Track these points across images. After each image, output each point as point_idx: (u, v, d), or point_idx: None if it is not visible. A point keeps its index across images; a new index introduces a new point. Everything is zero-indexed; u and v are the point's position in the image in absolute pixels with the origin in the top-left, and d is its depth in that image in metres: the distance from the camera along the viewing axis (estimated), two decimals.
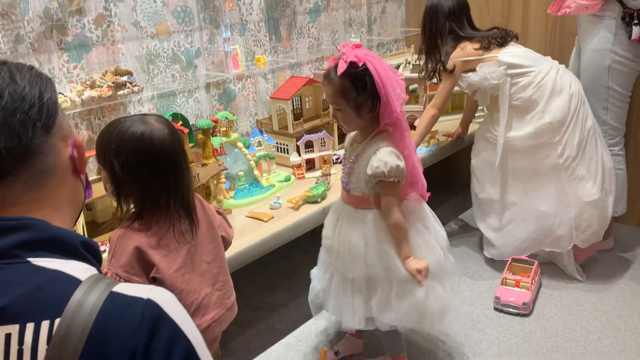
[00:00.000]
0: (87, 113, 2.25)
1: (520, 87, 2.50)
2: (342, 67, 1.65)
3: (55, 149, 0.78)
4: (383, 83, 1.63)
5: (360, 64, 1.64)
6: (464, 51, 2.55)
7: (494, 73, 2.49)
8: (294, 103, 2.85)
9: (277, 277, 2.86)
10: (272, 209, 2.37)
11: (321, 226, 2.16)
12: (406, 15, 3.77)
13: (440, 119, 2.76)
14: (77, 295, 0.70)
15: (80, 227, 1.95)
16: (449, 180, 3.80)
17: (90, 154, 2.00)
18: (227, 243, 1.64)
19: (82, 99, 2.07)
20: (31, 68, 0.80)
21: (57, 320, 0.68)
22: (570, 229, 2.53)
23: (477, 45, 2.54)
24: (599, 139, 2.56)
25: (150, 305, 0.72)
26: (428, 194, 1.94)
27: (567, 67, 2.73)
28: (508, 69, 2.48)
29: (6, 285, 0.69)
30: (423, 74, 2.74)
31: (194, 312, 1.44)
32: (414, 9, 3.72)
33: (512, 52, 2.52)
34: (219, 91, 2.75)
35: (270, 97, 2.81)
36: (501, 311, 2.45)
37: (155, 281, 1.36)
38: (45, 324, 0.68)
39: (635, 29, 2.37)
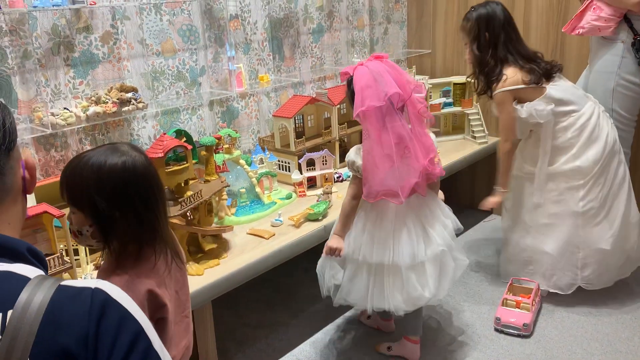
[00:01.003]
0: (92, 128, 2.26)
1: (562, 128, 2.47)
2: (342, 76, 2.07)
3: (13, 170, 0.85)
4: (357, 88, 1.96)
5: (351, 73, 2.00)
6: (514, 79, 2.45)
7: (542, 112, 2.43)
8: (296, 121, 2.87)
9: (277, 295, 2.85)
10: (273, 226, 2.37)
11: (321, 244, 2.17)
12: (408, 36, 3.82)
13: (440, 139, 2.76)
14: (27, 289, 0.74)
15: (82, 251, 1.95)
16: (448, 202, 3.79)
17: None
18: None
19: (87, 115, 2.09)
20: None
21: (10, 312, 0.72)
22: (575, 269, 2.54)
23: (527, 78, 2.44)
24: (629, 191, 2.53)
25: (98, 292, 0.77)
26: (405, 193, 1.98)
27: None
28: (555, 107, 2.43)
29: None
30: (477, 89, 2.60)
31: (171, 346, 1.32)
32: (415, 30, 3.77)
33: (561, 87, 2.47)
34: (222, 109, 2.77)
35: (272, 115, 2.84)
36: (501, 332, 2.44)
37: (160, 321, 1.26)
38: None
39: None
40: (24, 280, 0.76)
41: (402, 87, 1.94)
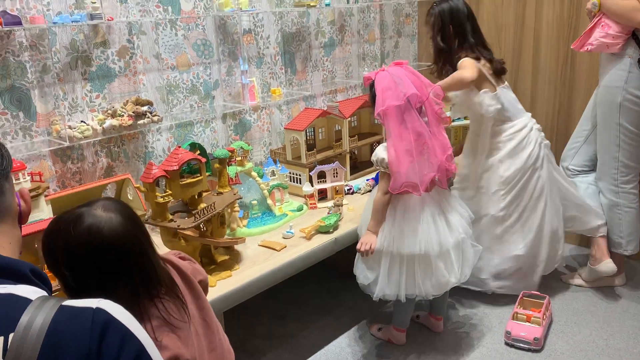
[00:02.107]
0: (108, 141, 2.31)
1: (494, 131, 2.64)
2: (365, 81, 2.26)
3: (10, 193, 0.90)
4: (378, 90, 2.15)
5: (373, 78, 2.19)
6: (480, 63, 2.56)
7: (491, 107, 2.57)
8: (308, 134, 2.90)
9: (287, 307, 2.87)
10: (284, 238, 2.40)
11: (332, 257, 2.20)
12: (419, 50, 3.85)
13: None
14: (29, 310, 0.75)
15: None
16: None
17: None
18: (204, 285, 1.47)
19: (103, 128, 2.14)
20: None
21: (11, 335, 0.73)
22: (490, 275, 2.70)
23: (490, 69, 2.58)
24: (545, 206, 2.67)
25: (100, 312, 0.78)
26: (423, 186, 2.15)
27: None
28: (500, 110, 2.59)
29: None
30: (435, 74, 2.72)
31: None
32: (426, 44, 3.79)
33: (507, 95, 2.63)
34: (234, 121, 2.81)
35: (284, 128, 2.87)
36: (512, 346, 2.44)
37: None
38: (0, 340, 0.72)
39: None
40: (25, 301, 0.77)
41: (419, 89, 2.13)
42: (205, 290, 1.49)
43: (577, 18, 3.08)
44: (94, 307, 0.79)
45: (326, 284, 3.04)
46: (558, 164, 3.00)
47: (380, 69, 2.20)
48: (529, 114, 2.73)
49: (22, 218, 0.96)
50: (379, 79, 2.16)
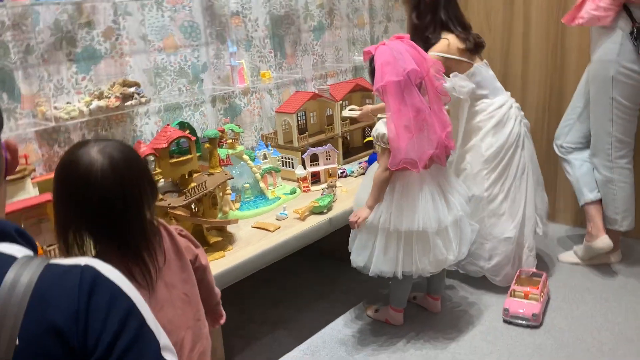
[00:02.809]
0: (95, 124, 2.26)
1: (474, 111, 2.60)
2: (365, 55, 2.22)
3: None
4: (377, 65, 2.11)
5: (373, 52, 2.14)
6: (449, 47, 2.52)
7: (464, 88, 2.52)
8: (299, 118, 2.87)
9: (282, 292, 2.83)
10: (278, 219, 2.36)
11: (327, 243, 2.17)
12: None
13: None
14: (14, 268, 0.72)
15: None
16: None
17: None
18: (197, 266, 1.45)
19: (90, 109, 2.09)
20: None
21: None
22: (482, 260, 2.63)
23: (462, 45, 2.52)
24: (527, 185, 2.64)
25: (88, 269, 0.74)
26: (422, 163, 2.13)
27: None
28: (476, 89, 2.55)
29: None
30: None
31: (179, 351, 1.29)
32: None
33: (485, 72, 2.58)
34: (224, 105, 2.77)
35: (275, 111, 2.84)
36: (510, 323, 2.41)
37: None
38: None
39: None
40: (10, 259, 0.74)
41: (420, 65, 2.09)
42: (201, 273, 1.46)
43: None
44: (82, 264, 0.75)
45: (321, 270, 3.01)
46: (551, 144, 3.00)
47: (380, 43, 2.15)
48: (509, 93, 2.70)
49: (7, 171, 0.91)
50: (379, 53, 2.12)
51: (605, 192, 2.75)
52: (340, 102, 2.96)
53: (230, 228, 2.23)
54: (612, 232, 2.76)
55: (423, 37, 2.55)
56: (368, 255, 2.23)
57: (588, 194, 2.79)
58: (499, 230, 2.59)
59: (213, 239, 2.14)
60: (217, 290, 1.58)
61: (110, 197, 1.16)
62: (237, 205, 2.47)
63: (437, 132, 2.15)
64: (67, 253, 1.22)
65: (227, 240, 2.17)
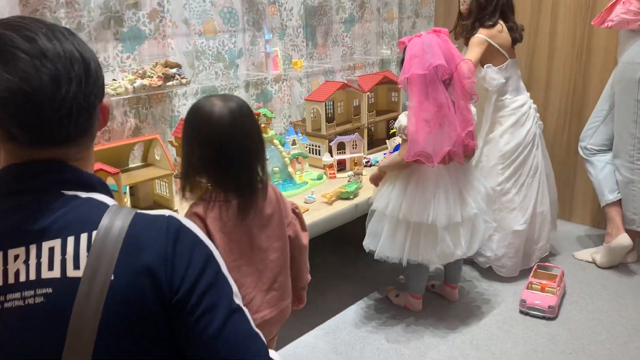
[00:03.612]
0: (136, 102, 2.35)
1: (496, 106, 2.70)
2: (400, 45, 2.31)
3: (97, 116, 0.90)
4: (406, 56, 2.18)
5: (407, 43, 2.21)
6: (499, 35, 2.61)
7: (494, 81, 2.63)
8: (327, 107, 2.95)
9: None
10: (306, 202, 2.44)
11: (349, 229, 2.24)
12: None
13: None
14: (108, 214, 0.81)
15: None
16: None
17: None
18: (295, 244, 1.57)
19: (134, 87, 2.18)
20: (73, 36, 0.86)
21: (94, 232, 0.79)
22: (490, 251, 2.74)
23: (508, 38, 2.65)
24: (540, 183, 2.74)
25: (172, 219, 0.84)
26: (437, 158, 2.17)
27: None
28: (504, 85, 2.66)
29: (46, 210, 0.80)
30: (461, 31, 2.77)
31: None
32: (442, 26, 3.82)
33: (514, 69, 2.71)
34: (257, 91, 2.86)
35: (305, 99, 2.92)
36: (527, 314, 2.48)
37: None
38: (84, 236, 0.79)
39: None
40: (104, 206, 0.83)
41: (449, 61, 2.12)
42: (299, 251, 1.59)
43: (596, 0, 3.12)
44: (167, 215, 0.85)
45: (343, 255, 3.09)
46: (571, 146, 3.08)
47: (415, 35, 2.21)
48: (528, 94, 2.81)
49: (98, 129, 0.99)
50: (411, 45, 2.17)
51: (625, 193, 2.81)
52: (368, 93, 3.04)
53: None
54: (629, 231, 2.82)
55: (480, 16, 2.64)
56: (379, 240, 2.31)
57: (608, 195, 2.85)
58: (509, 223, 2.70)
59: None
60: (308, 277, 1.67)
61: (224, 139, 1.35)
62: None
63: (457, 129, 2.16)
64: (190, 191, 1.41)
65: None
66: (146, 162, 2.35)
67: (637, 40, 2.58)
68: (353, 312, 2.56)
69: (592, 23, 2.75)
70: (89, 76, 0.83)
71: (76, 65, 0.81)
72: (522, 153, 2.69)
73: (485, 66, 2.63)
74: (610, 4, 2.62)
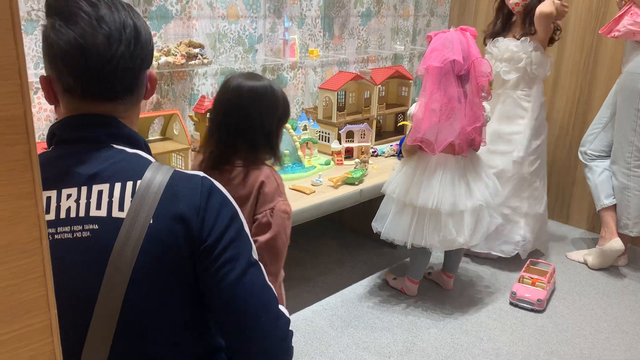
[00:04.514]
0: (159, 77, 2.48)
1: (539, 94, 2.86)
2: (427, 38, 2.41)
3: (144, 82, 1.03)
4: (427, 50, 2.34)
5: (432, 37, 2.36)
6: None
7: (546, 65, 2.79)
8: (339, 96, 3.06)
9: (305, 254, 3.05)
10: (313, 185, 2.56)
11: (356, 206, 2.36)
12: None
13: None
14: (151, 169, 0.93)
15: None
16: None
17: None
18: (264, 221, 1.51)
19: (158, 63, 2.30)
20: (131, 10, 0.99)
21: (139, 182, 0.91)
22: (518, 236, 2.90)
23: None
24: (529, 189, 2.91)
25: (206, 179, 0.97)
26: (439, 148, 2.30)
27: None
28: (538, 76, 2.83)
29: (97, 159, 0.93)
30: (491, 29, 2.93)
31: None
32: (457, 25, 3.92)
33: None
34: (273, 76, 2.97)
35: (318, 88, 3.03)
36: (516, 306, 2.60)
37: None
38: (129, 184, 0.91)
39: None
40: (147, 161, 0.96)
41: (465, 57, 2.25)
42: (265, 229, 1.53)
43: (606, 10, 3.21)
44: (201, 175, 0.97)
45: (344, 241, 3.22)
46: (573, 150, 3.20)
47: (442, 31, 2.36)
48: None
49: (145, 96, 1.08)
50: (435, 39, 2.33)
51: (620, 198, 2.92)
52: (379, 86, 3.15)
53: None
54: (622, 236, 2.93)
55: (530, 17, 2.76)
56: (386, 222, 2.46)
57: (604, 200, 2.96)
58: (536, 208, 2.89)
59: None
60: (282, 273, 1.64)
61: (229, 107, 1.49)
62: (276, 168, 2.67)
63: (462, 123, 2.28)
64: (218, 155, 1.53)
65: None
66: (165, 135, 2.48)
67: (639, 51, 2.68)
68: (350, 292, 2.68)
69: (599, 32, 2.85)
70: (137, 41, 0.95)
71: (128, 30, 0.93)
72: (544, 145, 2.93)
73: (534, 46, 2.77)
74: (619, 14, 2.71)
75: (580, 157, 3.11)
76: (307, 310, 2.52)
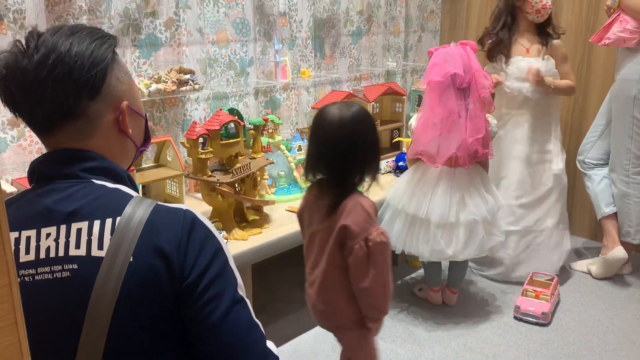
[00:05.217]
0: (151, 106, 2.47)
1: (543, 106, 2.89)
2: (429, 54, 2.46)
3: (99, 112, 0.95)
4: (428, 65, 2.39)
5: (433, 52, 2.41)
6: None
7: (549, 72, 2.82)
8: None
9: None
10: None
11: None
12: (440, 45, 3.99)
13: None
14: (132, 204, 0.91)
15: None
16: None
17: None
18: (357, 249, 1.52)
19: (149, 91, 2.30)
20: (94, 39, 0.94)
21: (118, 218, 0.88)
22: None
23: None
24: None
25: (188, 212, 0.94)
26: (442, 160, 2.33)
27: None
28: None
29: (77, 196, 0.90)
30: (489, 43, 2.88)
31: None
32: (448, 40, 3.94)
33: None
34: (266, 98, 2.97)
35: (312, 107, 3.03)
36: (520, 320, 2.56)
37: None
38: (108, 221, 0.88)
39: None
40: (128, 196, 0.93)
41: (466, 71, 2.28)
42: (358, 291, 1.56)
43: (596, 18, 3.22)
44: (184, 208, 0.94)
45: None
46: (570, 160, 3.19)
47: (443, 45, 2.41)
48: None
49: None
50: (435, 54, 2.38)
51: (620, 206, 2.89)
52: (373, 102, 3.15)
53: (266, 209, 2.42)
54: (625, 244, 2.89)
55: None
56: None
57: (604, 208, 2.93)
58: (553, 221, 2.90)
59: (252, 216, 2.34)
60: (380, 307, 1.59)
61: (331, 139, 1.51)
62: (273, 190, 2.66)
63: (462, 135, 2.29)
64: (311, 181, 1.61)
65: (263, 219, 2.36)
66: (158, 162, 2.47)
67: (634, 58, 2.67)
68: None
69: (590, 40, 2.85)
70: (64, 66, 0.90)
71: (54, 55, 0.89)
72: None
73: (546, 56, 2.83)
74: (608, 22, 2.72)
75: (578, 166, 3.09)
76: (309, 334, 2.48)
